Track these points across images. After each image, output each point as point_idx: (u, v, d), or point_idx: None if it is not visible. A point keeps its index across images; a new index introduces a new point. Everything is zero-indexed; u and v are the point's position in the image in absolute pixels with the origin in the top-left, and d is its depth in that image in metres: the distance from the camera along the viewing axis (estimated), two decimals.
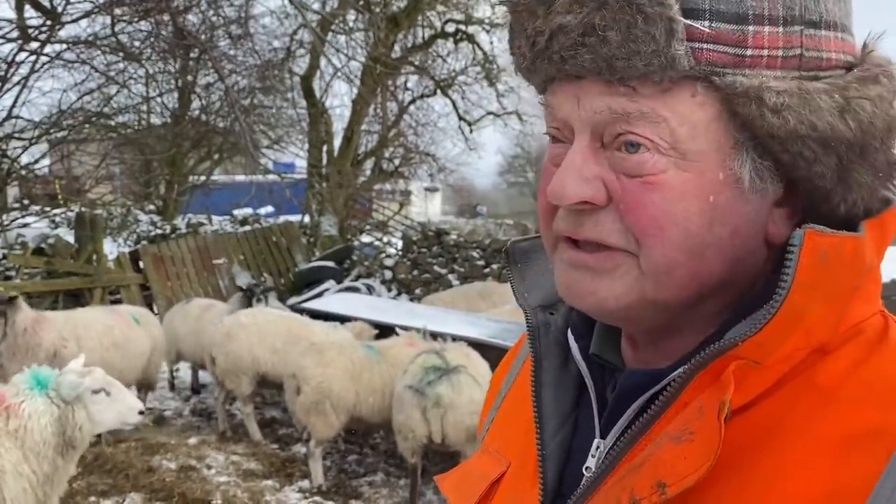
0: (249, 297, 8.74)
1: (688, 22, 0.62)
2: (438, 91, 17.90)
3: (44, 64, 11.56)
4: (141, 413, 3.63)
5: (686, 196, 0.66)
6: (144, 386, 7.48)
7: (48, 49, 11.35)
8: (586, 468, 0.75)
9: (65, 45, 11.57)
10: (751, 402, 0.64)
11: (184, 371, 9.33)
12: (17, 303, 6.00)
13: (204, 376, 8.89)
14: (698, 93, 0.65)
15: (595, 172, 0.68)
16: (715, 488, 0.62)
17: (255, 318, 7.28)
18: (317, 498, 5.85)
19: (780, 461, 0.61)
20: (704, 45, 0.63)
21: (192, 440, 6.97)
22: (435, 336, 6.48)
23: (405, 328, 7.25)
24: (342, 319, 7.92)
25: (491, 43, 17.26)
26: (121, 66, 13.19)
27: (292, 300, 10.41)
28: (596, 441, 0.76)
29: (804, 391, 0.64)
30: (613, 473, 0.69)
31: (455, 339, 6.64)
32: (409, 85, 18.59)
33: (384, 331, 7.82)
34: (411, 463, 5.56)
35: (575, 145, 0.69)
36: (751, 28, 0.63)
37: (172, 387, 9.01)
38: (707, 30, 0.62)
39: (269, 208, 19.25)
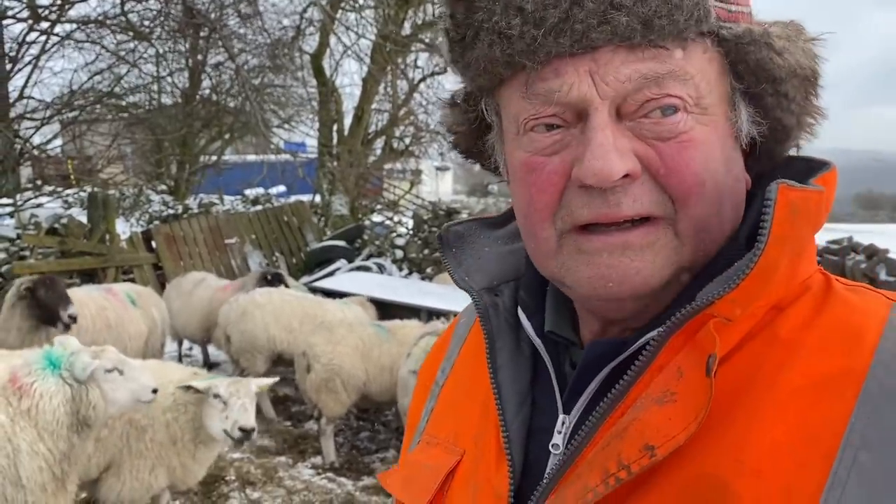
0: (269, 283, 8.67)
1: None
2: (449, 69, 17.76)
3: (54, 44, 11.59)
4: (154, 391, 3.67)
5: (713, 148, 0.69)
6: None
7: (58, 29, 11.36)
8: (553, 445, 0.74)
9: (75, 25, 11.56)
10: (723, 357, 0.65)
11: (195, 348, 9.40)
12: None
13: (217, 354, 8.95)
14: (708, 48, 0.68)
15: (626, 145, 0.67)
16: (694, 446, 0.62)
17: (270, 298, 7.32)
18: (329, 474, 5.90)
19: (754, 413, 0.62)
20: (714, 3, 0.67)
21: None
22: (439, 315, 6.48)
23: (417, 307, 7.28)
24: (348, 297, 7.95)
25: None
26: (131, 45, 13.21)
27: (304, 279, 10.44)
28: (561, 417, 0.75)
29: (770, 344, 0.65)
30: (593, 443, 0.68)
31: None
32: (420, 63, 18.47)
33: (395, 309, 7.85)
34: None
35: (597, 123, 0.66)
36: None
37: (180, 361, 9.09)
38: None
39: (281, 188, 19.27)
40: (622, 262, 0.68)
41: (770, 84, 0.70)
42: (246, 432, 4.03)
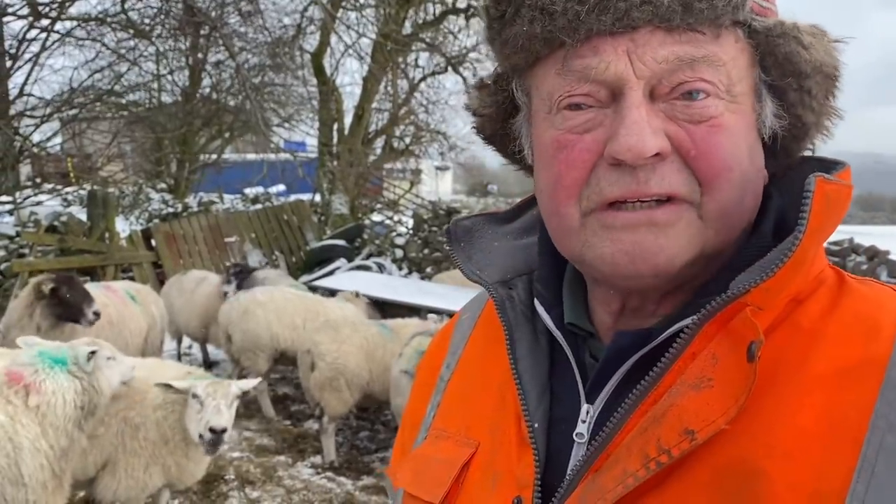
0: (235, 276, 8.55)
1: None
2: (450, 68, 17.75)
3: (54, 41, 11.57)
4: (133, 369, 3.89)
5: (741, 136, 0.71)
6: None
7: (58, 26, 11.34)
8: (577, 434, 0.75)
9: (75, 23, 11.55)
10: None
11: (195, 346, 9.39)
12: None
13: (216, 353, 8.94)
14: (740, 38, 0.70)
15: (658, 125, 0.68)
16: (728, 431, 0.63)
17: (272, 296, 7.30)
18: (329, 473, 5.89)
19: (781, 399, 0.64)
20: None
21: None
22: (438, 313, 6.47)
23: (417, 307, 7.27)
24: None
25: None
26: (131, 43, 13.19)
27: (304, 278, 10.43)
28: (585, 406, 0.76)
29: (792, 334, 0.68)
30: (626, 429, 0.69)
31: None
32: (420, 62, 18.45)
33: (394, 309, 7.84)
34: None
35: (632, 101, 0.68)
36: None
37: (179, 361, 9.07)
38: None
39: (280, 187, 19.25)
40: (647, 238, 0.69)
41: (795, 79, 0.72)
42: (216, 433, 3.88)
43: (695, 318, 0.68)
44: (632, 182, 0.69)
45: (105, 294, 6.67)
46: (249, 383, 4.36)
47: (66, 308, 5.58)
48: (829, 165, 0.74)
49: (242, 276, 8.34)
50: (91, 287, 6.89)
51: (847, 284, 0.72)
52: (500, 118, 0.86)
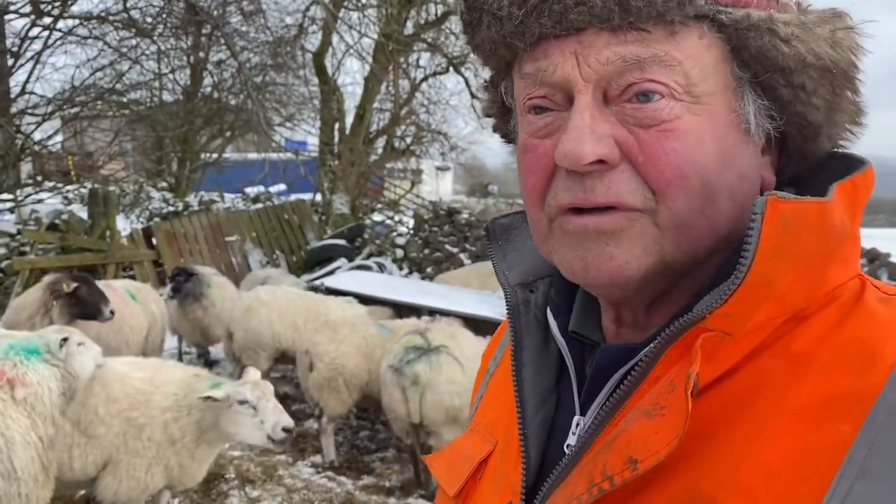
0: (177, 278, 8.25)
1: None
2: (451, 68, 17.76)
3: (56, 39, 11.57)
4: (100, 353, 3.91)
5: (703, 141, 0.65)
6: None
7: (60, 24, 11.35)
8: (567, 446, 0.74)
9: (77, 21, 11.55)
10: (725, 373, 0.63)
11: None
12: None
13: (216, 352, 8.94)
14: (705, 34, 0.65)
15: (606, 130, 0.65)
16: (689, 462, 0.61)
17: (275, 295, 7.31)
18: (329, 473, 5.89)
19: (754, 431, 0.60)
20: None
21: None
22: (433, 314, 6.48)
23: (417, 306, 7.27)
24: (355, 297, 7.93)
25: None
26: (133, 42, 13.18)
27: (304, 277, 10.44)
28: (576, 418, 0.75)
29: (779, 359, 0.62)
30: (590, 450, 0.68)
31: (468, 318, 6.65)
32: (422, 62, 18.46)
33: (395, 308, 7.84)
34: (408, 444, 5.58)
35: (578, 105, 0.66)
36: None
37: (180, 359, 9.07)
38: None
39: (281, 186, 19.26)
40: (594, 248, 0.67)
41: (779, 74, 0.66)
42: (289, 431, 4.08)
43: (656, 341, 0.65)
44: (580, 190, 0.67)
45: (105, 292, 6.66)
46: (257, 373, 4.45)
47: (85, 306, 5.72)
48: (855, 164, 0.68)
49: (181, 281, 8.10)
50: None
51: (862, 304, 0.65)
52: (503, 119, 0.86)
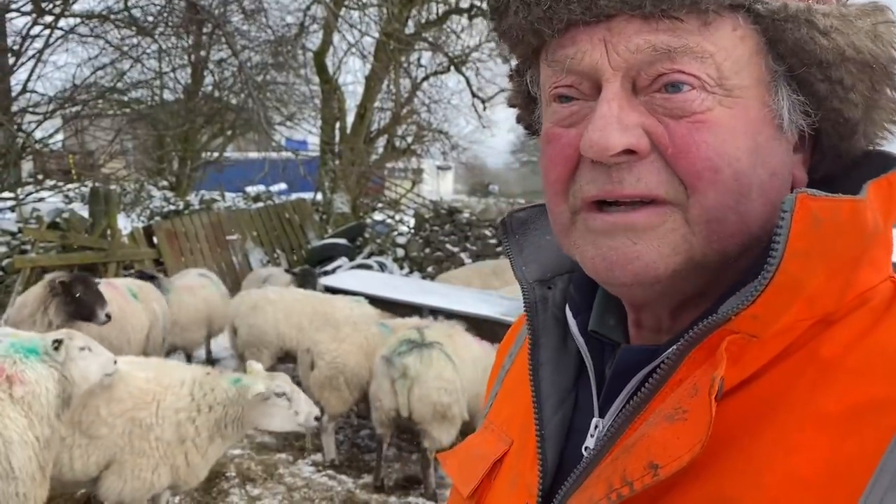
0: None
1: None
2: (452, 68, 17.77)
3: (58, 38, 11.57)
4: (115, 362, 3.87)
5: (735, 134, 0.63)
6: None
7: (62, 23, 11.35)
8: (585, 448, 0.72)
9: (78, 19, 11.55)
10: (750, 376, 0.61)
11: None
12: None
13: (218, 350, 8.94)
14: (740, 25, 0.63)
15: (635, 119, 0.63)
16: (713, 467, 0.59)
17: (282, 295, 7.33)
18: (329, 471, 5.90)
19: (780, 437, 0.58)
20: None
21: None
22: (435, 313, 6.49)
23: (418, 305, 7.27)
24: (357, 296, 7.94)
25: None
26: (134, 41, 13.19)
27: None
28: (594, 420, 0.73)
29: (806, 364, 0.60)
30: (609, 454, 0.66)
31: (469, 317, 6.65)
32: (423, 61, 18.47)
33: (396, 308, 7.84)
34: (378, 433, 5.60)
35: (606, 93, 0.64)
36: None
37: (189, 358, 9.06)
38: None
39: (282, 185, 19.26)
40: (619, 246, 0.65)
41: (817, 68, 0.64)
42: (318, 419, 4.40)
43: (679, 343, 0.63)
44: (607, 181, 0.64)
45: (107, 291, 6.56)
46: (260, 366, 4.53)
47: (80, 307, 5.66)
48: (888, 163, 0.66)
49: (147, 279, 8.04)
50: None
51: (894, 308, 0.62)
52: (527, 109, 0.83)
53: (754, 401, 0.60)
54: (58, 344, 3.56)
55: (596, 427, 0.72)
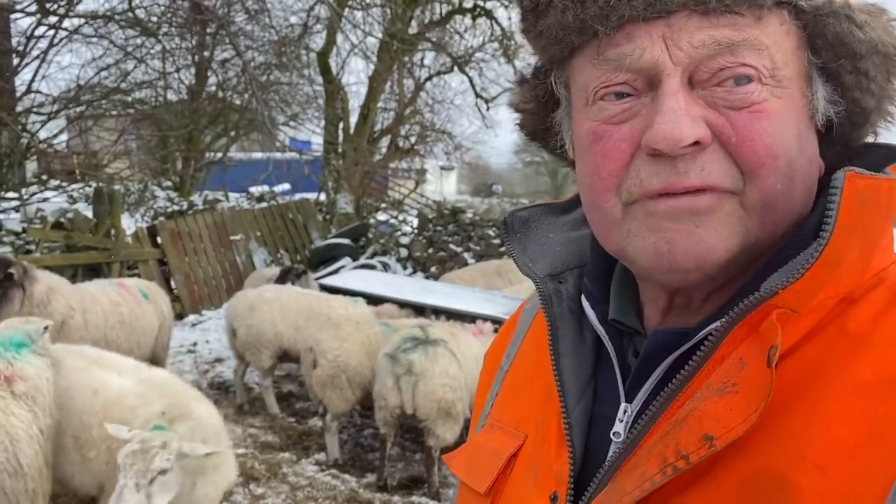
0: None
1: None
2: (455, 68, 17.77)
3: (62, 38, 11.60)
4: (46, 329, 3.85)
5: (787, 122, 0.67)
6: (153, 364, 7.21)
7: (66, 23, 11.37)
8: (614, 433, 0.74)
9: (83, 20, 11.58)
10: (788, 350, 0.63)
11: (201, 345, 9.41)
12: (33, 273, 5.79)
13: (221, 350, 8.96)
14: (785, 20, 0.67)
15: (698, 112, 0.66)
16: (756, 440, 0.61)
17: (279, 294, 7.33)
18: (333, 471, 5.90)
19: (819, 407, 0.60)
20: None
21: None
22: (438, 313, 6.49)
23: (421, 305, 7.28)
24: (359, 296, 7.95)
25: (509, 19, 17.08)
26: (138, 41, 13.21)
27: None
28: (623, 405, 0.75)
29: (837, 338, 0.63)
30: (653, 432, 0.68)
31: (470, 316, 6.65)
32: (426, 62, 18.48)
33: (399, 307, 7.84)
34: (382, 432, 5.59)
35: (669, 88, 0.66)
36: None
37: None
38: None
39: (285, 185, 19.27)
40: (687, 228, 0.67)
41: (849, 60, 0.69)
42: None
43: (723, 320, 0.66)
44: (672, 173, 0.67)
45: (118, 292, 6.62)
46: (200, 449, 3.23)
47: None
48: (892, 153, 0.71)
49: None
50: (104, 284, 6.95)
51: None
52: (541, 112, 0.85)
53: (791, 375, 0.63)
54: (45, 329, 3.64)
55: (625, 412, 0.74)
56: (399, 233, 13.83)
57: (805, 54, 0.69)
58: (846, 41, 0.67)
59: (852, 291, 0.65)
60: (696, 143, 0.65)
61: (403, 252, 12.94)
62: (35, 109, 11.81)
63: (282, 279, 8.43)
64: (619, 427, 0.74)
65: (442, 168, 28.97)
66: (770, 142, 0.66)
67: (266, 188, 18.76)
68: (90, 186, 13.05)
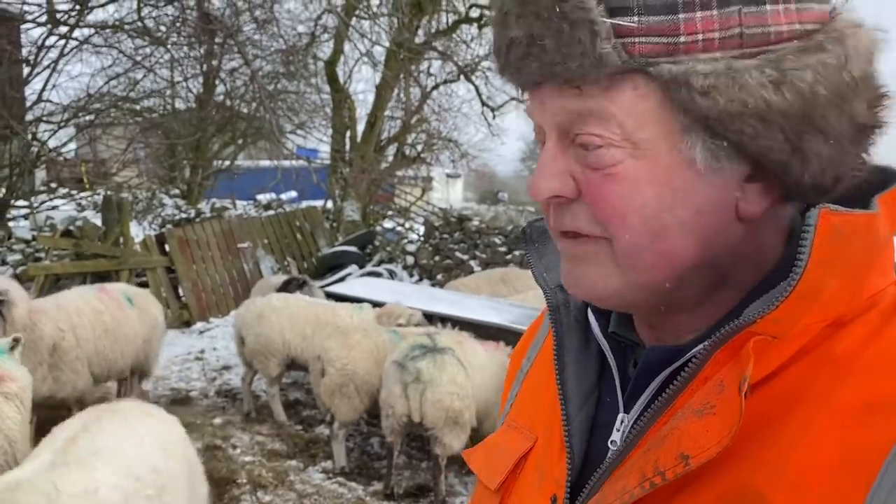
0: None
1: (614, 21, 0.65)
2: (462, 76, 17.81)
3: (72, 48, 11.71)
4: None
5: (641, 183, 0.69)
6: (138, 372, 6.86)
7: (76, 33, 11.48)
8: (611, 442, 0.78)
9: (93, 30, 11.69)
10: (771, 374, 0.66)
11: (209, 352, 9.44)
12: (10, 297, 5.28)
13: (229, 357, 8.99)
14: (640, 85, 0.67)
15: (563, 167, 0.73)
16: (737, 458, 0.64)
17: (287, 302, 7.35)
18: (340, 479, 5.92)
19: (800, 430, 0.63)
20: (636, 39, 0.65)
21: (218, 420, 7.06)
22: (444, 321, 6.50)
23: (428, 313, 7.29)
24: (366, 303, 7.96)
25: None
26: (147, 50, 13.31)
27: (316, 284, 10.48)
28: (620, 415, 0.79)
29: (822, 363, 0.65)
30: (639, 446, 0.72)
31: (476, 324, 6.67)
32: (433, 70, 18.52)
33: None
34: (389, 440, 5.60)
35: (546, 144, 0.74)
36: (681, 16, 0.65)
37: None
38: (635, 25, 0.65)
39: (293, 193, 19.32)
40: (571, 268, 0.77)
41: (713, 121, 0.66)
42: None
43: (706, 343, 0.69)
44: (555, 216, 0.76)
45: (99, 298, 6.33)
46: None
47: None
48: (890, 178, 0.69)
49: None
50: (85, 291, 6.60)
51: None
52: None
53: (775, 397, 0.66)
54: (15, 343, 3.77)
55: (622, 422, 0.78)
56: (405, 240, 13.85)
57: (670, 113, 0.67)
58: (688, 107, 0.66)
59: (843, 315, 0.67)
60: (558, 196, 0.73)
61: (410, 260, 12.96)
62: (45, 118, 11.92)
63: (283, 290, 8.43)
64: (615, 436, 0.78)
65: (448, 176, 29.02)
66: (616, 203, 0.70)
67: (273, 196, 18.84)
68: (99, 194, 13.14)
